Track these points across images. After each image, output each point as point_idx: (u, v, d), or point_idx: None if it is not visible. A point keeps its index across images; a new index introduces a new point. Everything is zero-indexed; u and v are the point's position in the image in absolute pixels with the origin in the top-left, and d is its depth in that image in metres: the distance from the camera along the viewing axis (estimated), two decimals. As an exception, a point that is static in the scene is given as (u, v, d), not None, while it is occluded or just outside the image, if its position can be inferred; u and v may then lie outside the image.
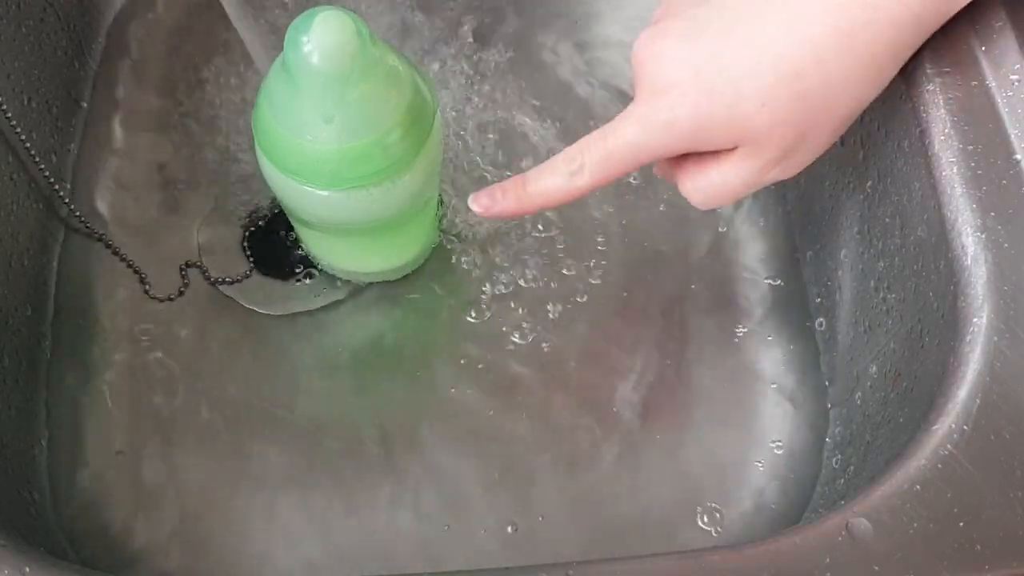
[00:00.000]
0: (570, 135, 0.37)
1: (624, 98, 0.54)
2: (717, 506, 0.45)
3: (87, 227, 0.50)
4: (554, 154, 0.38)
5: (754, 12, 0.34)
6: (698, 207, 0.38)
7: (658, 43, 0.35)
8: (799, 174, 0.36)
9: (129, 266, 0.50)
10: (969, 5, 0.35)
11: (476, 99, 0.55)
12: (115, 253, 0.50)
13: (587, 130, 0.37)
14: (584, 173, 0.37)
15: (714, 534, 0.44)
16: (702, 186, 0.37)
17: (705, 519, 0.44)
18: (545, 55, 0.56)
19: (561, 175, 0.37)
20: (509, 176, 0.40)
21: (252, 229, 0.51)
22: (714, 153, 0.36)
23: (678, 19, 0.35)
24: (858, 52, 0.33)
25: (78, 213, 0.49)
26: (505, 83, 0.55)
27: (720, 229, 0.51)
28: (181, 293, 0.49)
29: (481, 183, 0.52)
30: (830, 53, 0.33)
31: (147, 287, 0.49)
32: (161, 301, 0.49)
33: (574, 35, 0.57)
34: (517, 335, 0.48)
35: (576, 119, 0.54)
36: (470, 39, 0.56)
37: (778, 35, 0.33)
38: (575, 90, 0.55)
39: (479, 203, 0.40)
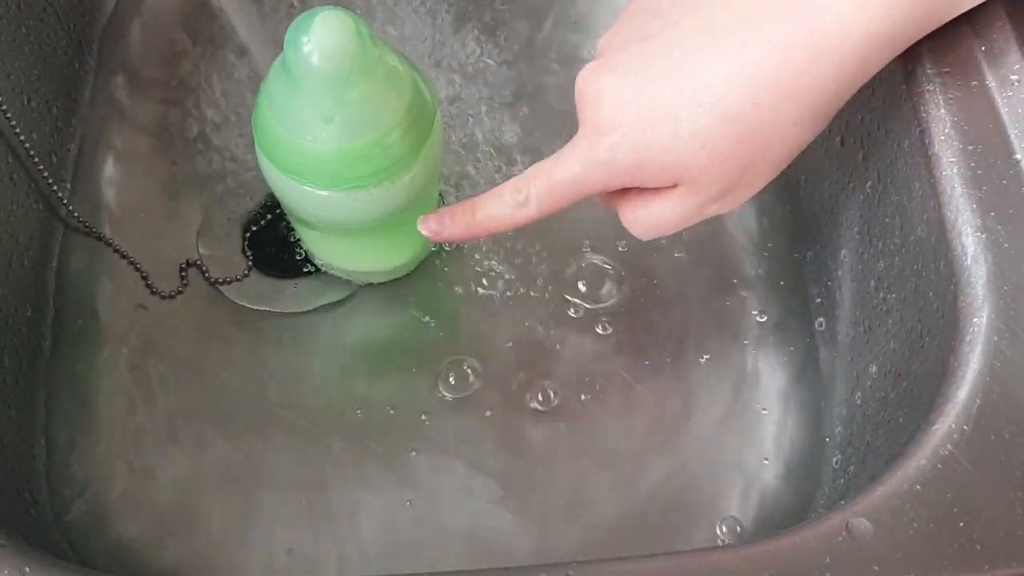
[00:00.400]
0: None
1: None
2: (717, 507, 0.45)
3: (86, 227, 0.50)
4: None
5: (695, 53, 0.34)
6: (637, 237, 0.39)
7: (602, 79, 0.35)
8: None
9: (130, 263, 0.50)
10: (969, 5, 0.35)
11: (477, 98, 0.55)
12: (115, 251, 0.50)
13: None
14: (530, 205, 0.37)
15: (714, 534, 0.44)
16: (641, 218, 0.38)
17: (705, 520, 0.44)
18: (548, 57, 0.56)
19: (508, 205, 0.38)
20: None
21: (252, 229, 0.51)
22: (655, 188, 0.36)
23: (621, 54, 0.36)
24: (796, 98, 0.33)
25: (76, 214, 0.49)
26: (507, 83, 0.55)
27: (725, 224, 0.51)
28: (180, 292, 0.49)
29: (481, 183, 0.52)
30: (768, 99, 0.33)
31: (149, 283, 0.49)
32: (162, 298, 0.49)
33: (576, 37, 0.57)
34: (518, 336, 0.48)
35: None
36: (472, 39, 0.56)
37: (717, 79, 0.33)
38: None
39: (427, 227, 0.40)
